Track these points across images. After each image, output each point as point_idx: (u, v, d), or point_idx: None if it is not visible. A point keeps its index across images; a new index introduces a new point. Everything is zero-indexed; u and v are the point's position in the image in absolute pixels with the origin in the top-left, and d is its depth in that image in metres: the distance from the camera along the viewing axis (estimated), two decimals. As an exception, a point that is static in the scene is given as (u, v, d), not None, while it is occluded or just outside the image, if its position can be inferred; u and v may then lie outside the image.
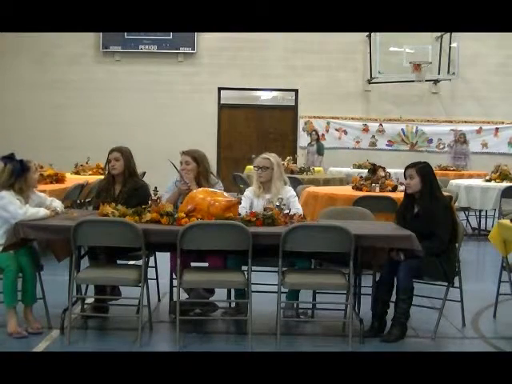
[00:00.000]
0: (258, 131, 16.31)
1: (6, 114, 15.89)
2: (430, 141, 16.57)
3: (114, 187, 5.66)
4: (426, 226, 5.10)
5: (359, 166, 13.06)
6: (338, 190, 8.25)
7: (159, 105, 16.08)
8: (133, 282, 4.89)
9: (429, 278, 5.26)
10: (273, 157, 5.80)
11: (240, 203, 5.22)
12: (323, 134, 16.49)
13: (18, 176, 4.96)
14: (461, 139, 15.23)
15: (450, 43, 15.43)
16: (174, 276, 5.29)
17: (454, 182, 10.64)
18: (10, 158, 5.01)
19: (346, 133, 16.57)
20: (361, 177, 8.34)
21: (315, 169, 12.78)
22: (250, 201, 5.69)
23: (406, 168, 5.35)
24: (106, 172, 5.81)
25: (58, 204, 5.25)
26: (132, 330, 4.92)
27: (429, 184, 5.25)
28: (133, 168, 5.72)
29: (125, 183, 5.64)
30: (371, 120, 16.52)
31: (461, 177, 12.49)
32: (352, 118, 16.51)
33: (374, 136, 16.57)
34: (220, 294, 5.47)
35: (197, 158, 5.68)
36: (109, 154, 5.70)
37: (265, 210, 5.08)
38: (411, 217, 5.28)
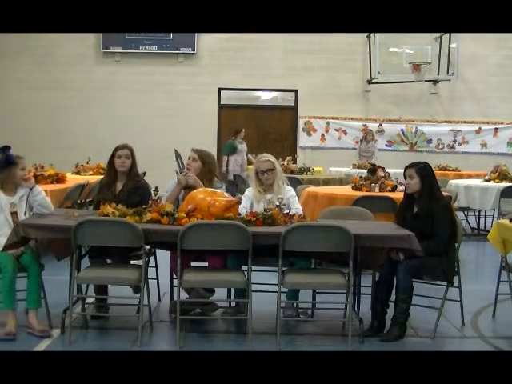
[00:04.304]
0: (257, 131, 16.30)
1: (6, 113, 15.87)
2: (430, 141, 16.56)
3: (115, 184, 5.65)
4: (426, 225, 5.11)
5: (359, 166, 13.06)
6: (337, 190, 8.25)
7: (159, 105, 16.06)
8: (133, 282, 4.91)
9: (428, 277, 5.27)
10: (270, 156, 5.81)
11: (240, 203, 5.23)
12: (323, 135, 16.50)
13: (1, 168, 4.98)
14: (369, 137, 14.85)
15: (450, 44, 15.42)
16: (174, 276, 5.31)
17: (453, 182, 10.66)
18: (2, 149, 5.02)
19: (345, 133, 16.56)
20: (360, 177, 8.35)
21: (315, 168, 12.70)
22: (250, 201, 5.70)
23: (406, 168, 5.36)
24: (109, 167, 5.72)
25: (39, 194, 5.19)
26: (132, 329, 4.93)
27: (428, 184, 5.26)
28: (137, 167, 5.73)
29: (127, 181, 5.63)
30: (371, 120, 16.50)
31: (460, 177, 12.51)
32: (352, 119, 16.50)
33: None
34: (220, 294, 5.48)
35: (204, 157, 5.69)
36: (117, 150, 5.61)
37: (265, 210, 5.08)
38: (411, 217, 5.28)
